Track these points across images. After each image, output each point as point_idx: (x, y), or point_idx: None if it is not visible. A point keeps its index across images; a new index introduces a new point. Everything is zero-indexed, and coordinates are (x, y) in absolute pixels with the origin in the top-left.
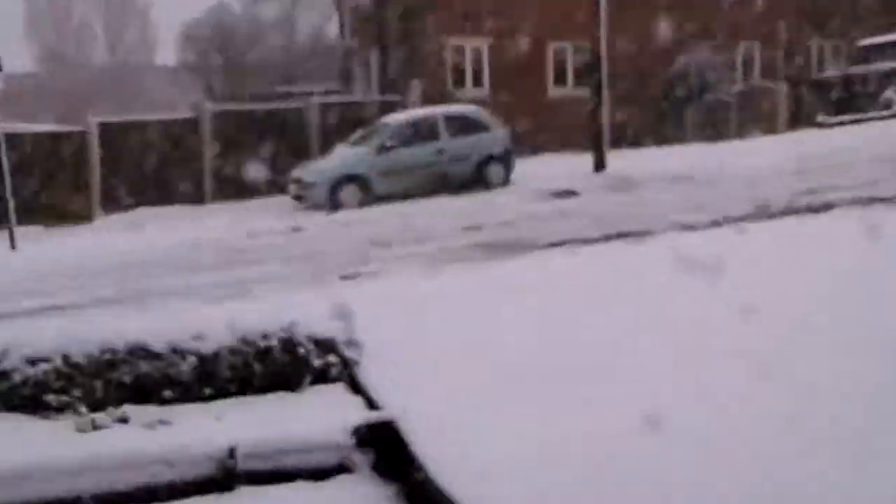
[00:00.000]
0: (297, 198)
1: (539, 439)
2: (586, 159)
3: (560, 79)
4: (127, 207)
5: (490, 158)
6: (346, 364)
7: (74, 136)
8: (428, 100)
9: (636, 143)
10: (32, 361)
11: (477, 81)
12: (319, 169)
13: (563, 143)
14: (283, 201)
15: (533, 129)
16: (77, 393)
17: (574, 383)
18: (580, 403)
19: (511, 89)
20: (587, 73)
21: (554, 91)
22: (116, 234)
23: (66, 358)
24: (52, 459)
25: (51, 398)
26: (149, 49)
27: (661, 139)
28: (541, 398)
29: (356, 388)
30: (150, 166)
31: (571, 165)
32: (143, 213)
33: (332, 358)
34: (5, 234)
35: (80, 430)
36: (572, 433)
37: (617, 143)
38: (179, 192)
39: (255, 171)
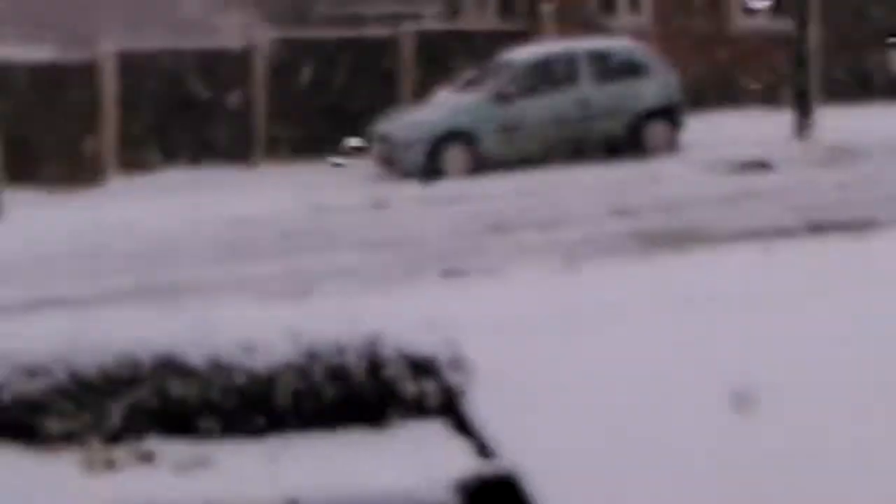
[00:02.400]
0: (383, 161)
1: None
2: (784, 119)
3: (750, 6)
4: (152, 167)
5: (650, 114)
6: (449, 393)
7: (83, 69)
8: (565, 30)
9: (856, 98)
10: (27, 374)
11: (634, 6)
12: (414, 122)
13: (753, 95)
14: (362, 165)
15: (710, 74)
16: (86, 419)
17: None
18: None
19: (681, 18)
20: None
21: (741, 22)
22: (138, 202)
23: (71, 371)
24: None
25: (51, 424)
26: None
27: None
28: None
29: (462, 426)
30: (183, 113)
31: (764, 126)
32: (173, 175)
33: (429, 384)
34: None
35: (91, 469)
36: None
37: (830, 96)
38: (221, 149)
39: (326, 122)
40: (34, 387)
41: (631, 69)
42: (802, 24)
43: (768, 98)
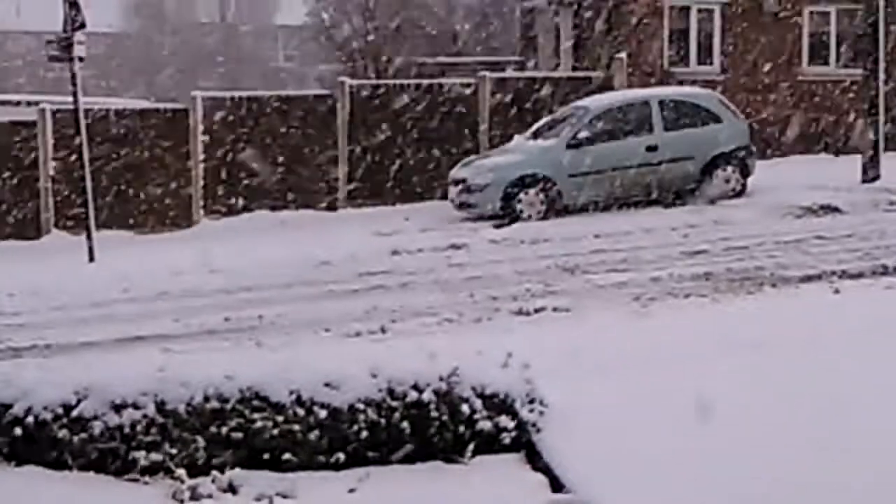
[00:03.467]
0: (460, 205)
1: None
2: (851, 164)
3: (818, 54)
4: (238, 211)
5: (720, 159)
6: (524, 429)
7: (174, 116)
8: (637, 79)
9: None
10: (117, 407)
11: (704, 56)
12: (491, 167)
13: (821, 141)
14: (440, 209)
15: (779, 121)
16: (172, 450)
17: None
18: None
19: (750, 68)
20: (857, 47)
21: (809, 70)
22: (223, 244)
23: (160, 404)
24: None
25: (139, 455)
26: (268, 4)
27: None
28: None
29: (536, 461)
30: (268, 158)
31: (831, 171)
32: (259, 218)
33: (504, 420)
34: (83, 240)
35: (176, 499)
36: None
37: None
38: (305, 192)
39: (405, 167)
40: (124, 419)
41: (702, 116)
42: (873, 71)
43: (836, 145)
